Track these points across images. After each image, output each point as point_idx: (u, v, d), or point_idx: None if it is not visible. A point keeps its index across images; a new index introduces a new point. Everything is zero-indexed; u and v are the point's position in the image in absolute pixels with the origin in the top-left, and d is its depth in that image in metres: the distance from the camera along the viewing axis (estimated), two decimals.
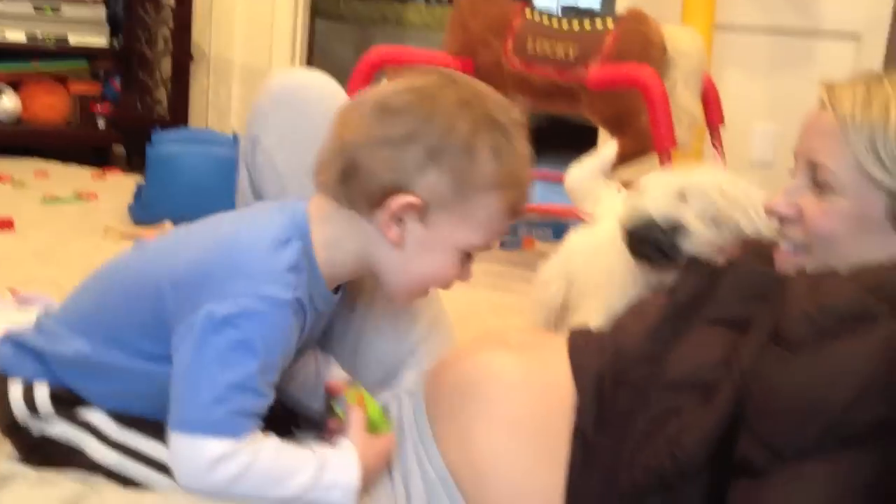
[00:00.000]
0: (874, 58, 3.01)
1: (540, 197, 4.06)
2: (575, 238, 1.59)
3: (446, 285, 1.05)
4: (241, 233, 0.98)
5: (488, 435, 1.03)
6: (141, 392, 0.98)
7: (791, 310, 0.93)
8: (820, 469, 0.85)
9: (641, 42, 2.39)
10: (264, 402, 0.93)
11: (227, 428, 0.90)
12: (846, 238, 1.02)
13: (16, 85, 3.59)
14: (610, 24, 2.45)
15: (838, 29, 3.08)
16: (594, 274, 1.47)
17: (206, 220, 1.04)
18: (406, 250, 0.99)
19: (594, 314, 1.40)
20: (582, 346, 1.10)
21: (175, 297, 0.94)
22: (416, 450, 1.06)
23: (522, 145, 0.99)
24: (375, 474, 1.00)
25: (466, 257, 1.02)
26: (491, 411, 1.04)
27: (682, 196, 1.29)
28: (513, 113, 1.00)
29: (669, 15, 2.95)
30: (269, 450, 0.92)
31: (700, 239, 1.27)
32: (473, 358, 1.09)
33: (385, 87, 0.99)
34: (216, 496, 0.91)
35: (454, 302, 1.28)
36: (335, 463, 0.95)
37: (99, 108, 3.75)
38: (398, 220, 0.97)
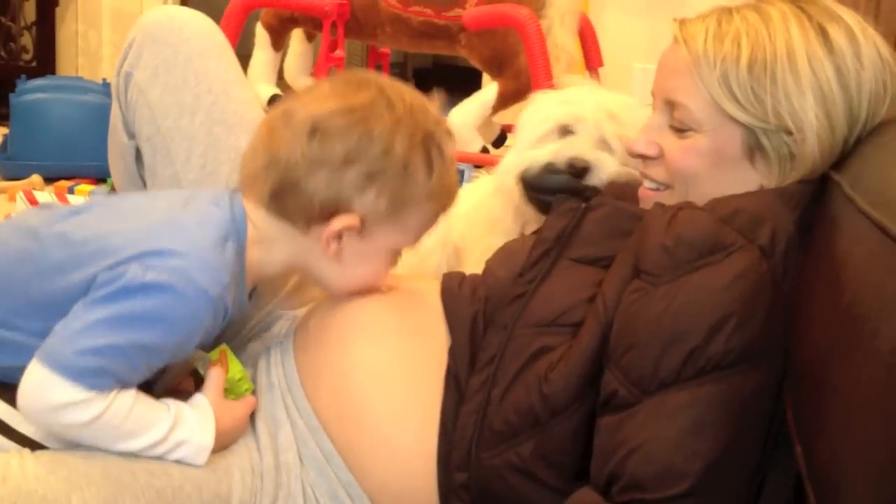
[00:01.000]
0: None
1: None
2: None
3: (379, 283, 1.07)
4: (182, 220, 0.95)
5: (359, 379, 1.02)
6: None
7: (649, 242, 0.95)
8: (682, 398, 0.87)
9: None
10: (135, 378, 0.91)
11: (88, 380, 0.86)
12: (706, 174, 1.03)
13: None
14: None
15: None
16: (475, 229, 1.46)
17: (126, 199, 1.03)
18: (343, 262, 1.01)
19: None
20: (454, 289, 1.10)
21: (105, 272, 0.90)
22: (283, 399, 1.04)
23: (451, 153, 1.03)
24: (231, 437, 0.98)
25: (395, 257, 1.06)
26: (362, 355, 1.03)
27: (566, 129, 1.28)
28: (443, 124, 1.03)
29: None
30: (123, 405, 0.89)
31: (607, 169, 1.26)
32: (346, 305, 1.07)
33: (316, 103, 0.99)
34: (57, 435, 0.90)
35: None
36: (189, 422, 0.94)
37: None
38: (337, 237, 0.99)
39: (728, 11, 1.04)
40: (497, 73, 2.45)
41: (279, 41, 2.67)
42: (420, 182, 0.99)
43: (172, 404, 0.94)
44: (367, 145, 0.96)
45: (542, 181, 1.28)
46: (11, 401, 0.90)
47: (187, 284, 0.89)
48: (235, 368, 1.01)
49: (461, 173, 2.55)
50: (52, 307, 0.89)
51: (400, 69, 4.76)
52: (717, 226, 0.93)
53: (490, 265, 1.13)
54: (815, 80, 0.98)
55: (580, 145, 1.27)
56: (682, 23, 1.05)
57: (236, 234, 0.96)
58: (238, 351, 1.07)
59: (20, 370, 0.87)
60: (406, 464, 1.00)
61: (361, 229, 0.99)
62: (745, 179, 1.02)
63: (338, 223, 0.97)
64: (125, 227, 0.94)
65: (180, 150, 1.16)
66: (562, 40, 2.38)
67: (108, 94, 2.90)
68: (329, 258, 1.01)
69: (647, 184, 1.10)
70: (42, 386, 0.86)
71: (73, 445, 0.91)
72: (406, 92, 1.02)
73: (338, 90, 1.00)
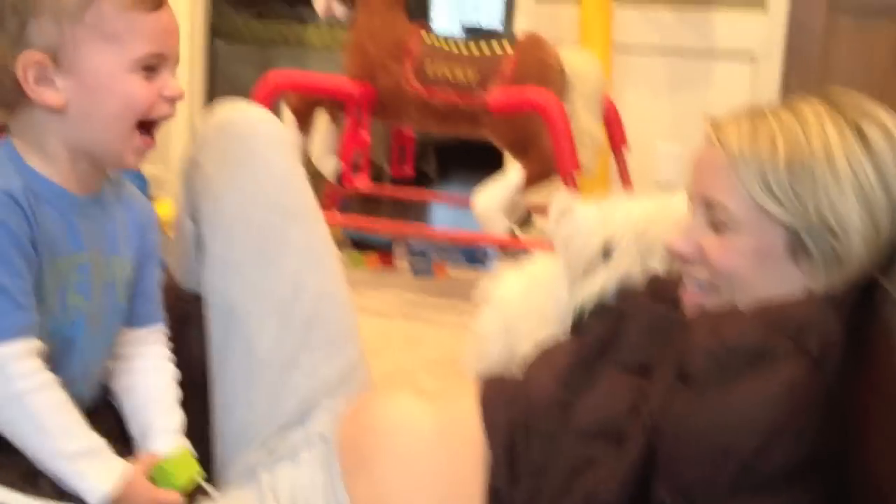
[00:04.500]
0: (770, 78, 3.09)
1: (449, 222, 4.08)
2: (506, 285, 1.55)
3: (150, 109, 1.02)
4: None
5: (400, 490, 1.01)
6: None
7: (694, 347, 0.93)
8: None
9: (539, 66, 2.42)
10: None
11: None
12: (749, 274, 1.02)
13: None
14: (508, 47, 2.46)
15: (734, 48, 3.15)
16: (527, 321, 1.43)
17: None
18: (75, 106, 0.99)
19: None
20: (493, 398, 1.08)
21: None
22: (326, 500, 1.04)
23: None
24: None
25: (150, 73, 1.00)
26: (402, 465, 1.03)
27: (608, 250, 1.27)
28: None
29: (567, 36, 2.99)
30: (46, 394, 0.95)
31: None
32: (385, 407, 1.08)
33: None
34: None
35: (366, 332, 1.26)
36: (101, 464, 0.97)
37: None
38: (42, 82, 0.97)
39: (761, 112, 1.03)
40: (522, 156, 2.46)
41: (305, 124, 2.70)
42: None
43: (97, 439, 0.98)
44: None
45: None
46: None
47: None
48: (180, 465, 1.04)
49: (486, 255, 2.55)
50: None
51: (422, 146, 4.81)
52: (764, 331, 0.91)
53: (531, 370, 1.12)
54: (855, 180, 0.97)
55: (624, 265, 1.25)
56: (716, 124, 1.05)
57: (7, 155, 1.00)
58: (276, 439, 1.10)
59: None
60: None
61: (58, 62, 0.96)
62: (789, 279, 1.00)
63: (21, 65, 0.96)
64: None
65: (237, 234, 1.19)
66: (586, 123, 2.39)
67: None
68: (60, 112, 0.98)
69: (689, 285, 1.07)
70: None
71: None
72: None
73: None
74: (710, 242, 1.04)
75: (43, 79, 0.97)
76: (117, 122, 1.00)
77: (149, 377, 1.13)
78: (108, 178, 1.09)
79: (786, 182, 0.97)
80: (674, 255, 1.09)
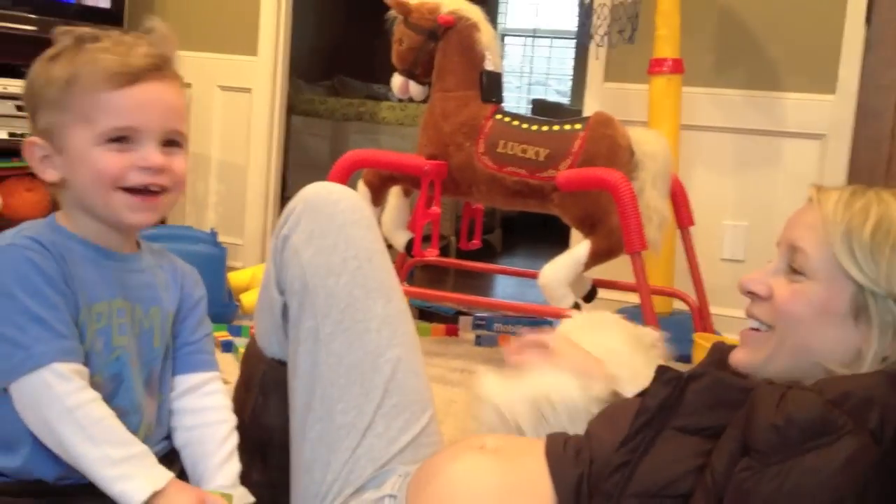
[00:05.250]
0: (838, 157, 3.10)
1: (514, 293, 4.11)
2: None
3: (119, 177, 1.10)
4: None
5: None
6: None
7: (759, 420, 0.96)
8: None
9: (609, 145, 2.45)
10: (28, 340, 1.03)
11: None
12: (809, 322, 1.07)
13: None
14: (578, 127, 2.51)
15: (802, 130, 3.18)
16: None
17: None
18: (69, 179, 1.12)
19: None
20: (560, 453, 1.11)
21: None
22: None
23: (89, 41, 1.12)
24: None
25: (120, 145, 1.10)
26: None
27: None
28: (87, 35, 1.13)
29: (636, 115, 3.05)
30: (93, 407, 1.03)
31: None
32: (452, 465, 1.11)
33: None
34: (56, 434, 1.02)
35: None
36: (147, 468, 1.04)
37: None
38: (43, 162, 1.12)
39: (863, 188, 1.11)
40: (589, 232, 2.49)
41: (378, 198, 2.78)
42: (59, 79, 1.09)
43: (147, 455, 1.06)
44: (24, 89, 1.14)
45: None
46: None
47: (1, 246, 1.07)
48: (227, 497, 1.09)
49: (551, 326, 2.57)
50: None
51: (489, 217, 4.89)
52: (827, 408, 0.94)
53: (593, 428, 1.15)
54: None
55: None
56: (819, 188, 1.13)
57: (47, 221, 1.14)
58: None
59: None
60: None
61: (52, 143, 1.11)
62: (845, 338, 1.06)
63: (26, 151, 1.12)
64: None
65: (322, 306, 1.24)
66: (654, 202, 2.42)
67: (216, 244, 3.05)
68: (59, 186, 1.13)
69: (750, 323, 1.14)
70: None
71: None
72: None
73: None
74: (782, 285, 1.10)
75: (45, 159, 1.12)
76: (96, 189, 1.11)
77: (206, 431, 1.20)
78: (146, 245, 1.22)
79: (867, 245, 1.04)
80: (745, 293, 1.15)
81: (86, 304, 1.09)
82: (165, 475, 1.05)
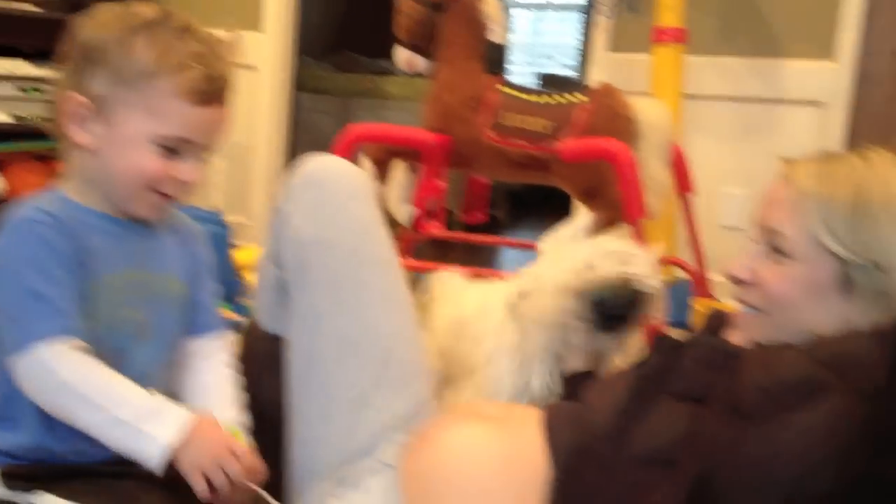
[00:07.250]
0: (837, 124, 3.09)
1: (517, 265, 4.09)
2: (442, 314, 1.59)
3: (155, 182, 1.11)
4: None
5: None
6: None
7: (747, 381, 0.98)
8: None
9: (612, 116, 2.45)
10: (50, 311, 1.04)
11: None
12: (799, 302, 1.08)
13: (1, 165, 3.63)
14: (581, 98, 2.51)
15: (801, 98, 3.17)
16: (477, 353, 1.46)
17: None
18: (101, 152, 1.10)
19: (474, 391, 1.42)
20: (556, 421, 1.13)
21: None
22: None
23: (183, 36, 1.10)
24: (204, 455, 1.04)
25: (169, 152, 1.10)
26: (465, 487, 1.07)
27: (591, 266, 1.32)
28: (174, 17, 1.12)
29: (639, 85, 3.04)
30: (90, 374, 1.02)
31: (655, 298, 1.30)
32: (449, 434, 1.12)
33: None
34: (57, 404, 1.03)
35: None
36: (163, 418, 1.03)
37: None
38: (80, 122, 1.09)
39: (832, 156, 1.11)
40: (591, 203, 2.50)
41: (383, 172, 2.78)
42: (140, 58, 1.07)
43: (154, 398, 1.06)
44: (83, 33, 1.09)
45: (607, 297, 1.30)
46: None
47: (14, 221, 1.07)
48: (232, 431, 1.11)
49: None
50: None
51: (494, 190, 4.89)
52: (814, 368, 0.96)
53: (589, 396, 1.16)
54: None
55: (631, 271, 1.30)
56: (790, 163, 1.13)
57: (54, 192, 1.13)
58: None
59: None
60: None
61: (101, 112, 1.08)
62: (836, 310, 1.07)
63: (66, 105, 1.08)
64: None
65: (319, 280, 1.25)
66: (654, 172, 2.42)
67: (223, 224, 3.06)
68: (89, 152, 1.10)
69: (743, 309, 1.15)
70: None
71: None
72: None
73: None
74: (767, 269, 1.11)
75: (80, 120, 1.09)
76: (126, 180, 1.11)
77: (210, 379, 1.22)
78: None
79: (844, 220, 1.04)
80: (731, 280, 1.16)
81: (95, 276, 1.09)
82: (187, 418, 1.05)
